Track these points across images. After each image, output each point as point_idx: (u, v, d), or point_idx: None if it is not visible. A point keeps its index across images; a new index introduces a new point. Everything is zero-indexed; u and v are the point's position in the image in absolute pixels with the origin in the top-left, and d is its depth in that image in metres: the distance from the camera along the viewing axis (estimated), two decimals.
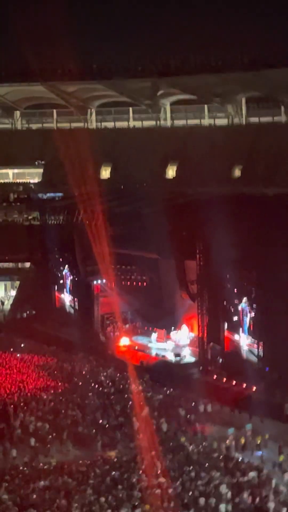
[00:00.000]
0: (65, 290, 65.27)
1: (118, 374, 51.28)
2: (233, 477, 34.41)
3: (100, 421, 42.60)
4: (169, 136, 79.91)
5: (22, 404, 45.13)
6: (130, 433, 41.22)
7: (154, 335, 57.73)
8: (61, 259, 65.08)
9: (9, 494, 32.63)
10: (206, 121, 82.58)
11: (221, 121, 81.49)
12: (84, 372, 52.18)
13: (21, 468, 36.53)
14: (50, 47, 75.39)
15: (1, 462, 38.46)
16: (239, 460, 37.35)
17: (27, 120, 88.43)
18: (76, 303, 63.23)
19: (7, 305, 73.65)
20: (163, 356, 54.49)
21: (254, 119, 79.67)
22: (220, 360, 50.91)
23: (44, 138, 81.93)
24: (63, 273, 65.11)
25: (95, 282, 61.26)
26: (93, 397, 46.22)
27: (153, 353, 55.38)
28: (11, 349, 59.42)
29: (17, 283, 74.22)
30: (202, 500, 31.50)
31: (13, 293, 74.92)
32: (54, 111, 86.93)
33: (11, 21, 74.57)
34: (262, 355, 47.68)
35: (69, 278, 64.28)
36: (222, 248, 48.50)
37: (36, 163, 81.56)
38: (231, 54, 73.30)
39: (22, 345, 60.67)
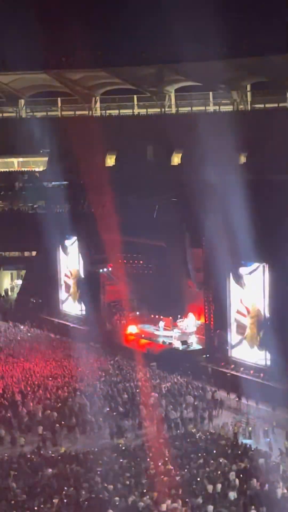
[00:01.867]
0: (70, 279, 65.21)
1: (125, 362, 51.34)
2: (241, 463, 34.46)
3: (108, 409, 42.67)
4: (174, 123, 79.62)
5: (29, 392, 45.23)
6: (137, 420, 41.33)
7: (161, 323, 57.73)
8: (66, 248, 65.02)
9: (17, 482, 32.77)
10: (211, 108, 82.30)
11: (226, 108, 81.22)
12: (91, 361, 52.23)
13: (29, 456, 36.66)
14: (54, 35, 75.04)
15: (9, 450, 38.62)
16: (247, 446, 37.41)
17: (31, 108, 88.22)
18: (83, 292, 63.20)
19: (13, 294, 73.72)
20: (170, 344, 54.48)
21: (259, 105, 79.34)
22: (227, 347, 50.86)
23: (49, 127, 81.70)
24: (69, 261, 65.03)
25: (101, 270, 61.21)
26: (100, 385, 46.28)
27: (160, 341, 55.37)
28: (18, 338, 59.54)
29: (23, 272, 74.25)
30: (210, 487, 31.57)
31: (19, 282, 74.96)
32: (59, 99, 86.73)
33: (15, 10, 74.17)
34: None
35: (75, 266, 64.18)
36: (228, 236, 48.36)
37: (41, 151, 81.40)
38: (236, 40, 72.90)
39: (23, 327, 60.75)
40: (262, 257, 47.66)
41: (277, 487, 31.95)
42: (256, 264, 47.85)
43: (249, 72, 76.16)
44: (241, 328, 49.21)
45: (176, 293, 58.78)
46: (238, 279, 48.85)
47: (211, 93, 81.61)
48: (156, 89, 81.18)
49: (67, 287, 64.96)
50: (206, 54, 73.15)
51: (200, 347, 53.56)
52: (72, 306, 64.83)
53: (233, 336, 49.71)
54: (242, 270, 48.65)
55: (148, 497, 30.83)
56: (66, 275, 64.84)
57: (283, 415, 42.02)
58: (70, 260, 64.19)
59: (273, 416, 41.80)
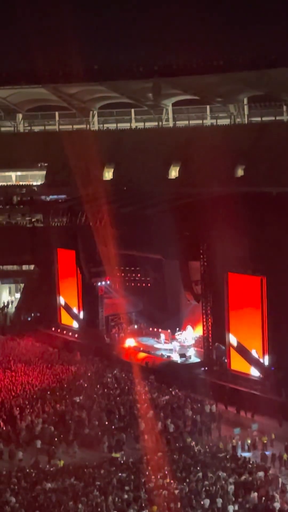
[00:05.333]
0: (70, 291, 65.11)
1: (124, 376, 51.23)
2: (239, 477, 34.38)
3: (106, 422, 42.57)
4: (172, 136, 79.93)
5: (28, 406, 45.11)
6: (136, 434, 41.22)
7: (162, 336, 57.66)
8: (65, 261, 64.99)
9: (16, 497, 32.65)
10: (208, 121, 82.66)
11: (223, 121, 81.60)
12: (89, 374, 52.13)
13: (27, 470, 36.55)
14: (52, 49, 75.55)
15: (8, 464, 38.48)
16: (246, 460, 37.32)
17: (29, 122, 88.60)
18: (81, 305, 63.11)
19: (12, 308, 73.65)
20: (168, 357, 54.41)
21: (256, 119, 79.74)
22: (225, 360, 50.80)
23: (47, 140, 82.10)
24: (68, 275, 64.96)
25: (99, 283, 61.19)
26: (98, 398, 46.18)
27: (158, 354, 55.28)
28: (16, 352, 59.42)
29: (22, 285, 74.22)
30: (208, 501, 31.48)
31: (17, 295, 74.91)
32: (56, 113, 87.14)
33: (13, 24, 74.67)
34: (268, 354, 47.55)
35: (74, 280, 64.10)
36: (226, 248, 48.38)
37: (39, 165, 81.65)
38: (232, 54, 73.45)
39: (22, 341, 60.98)
40: (260, 270, 47.67)
41: (275, 500, 31.90)
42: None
43: (245, 86, 76.54)
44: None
45: (174, 306, 58.79)
46: None
47: (208, 106, 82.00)
48: (154, 103, 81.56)
49: None
50: (202, 68, 73.66)
51: (199, 359, 53.48)
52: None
53: None
54: None
55: (147, 511, 30.74)
56: None
57: (281, 428, 41.93)
58: None
59: (271, 428, 41.71)
